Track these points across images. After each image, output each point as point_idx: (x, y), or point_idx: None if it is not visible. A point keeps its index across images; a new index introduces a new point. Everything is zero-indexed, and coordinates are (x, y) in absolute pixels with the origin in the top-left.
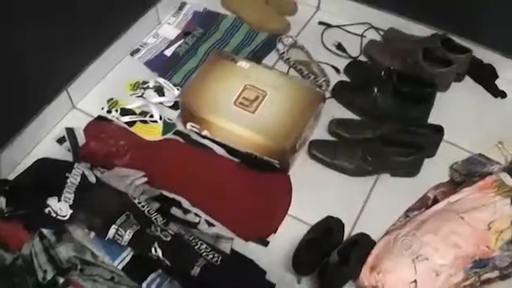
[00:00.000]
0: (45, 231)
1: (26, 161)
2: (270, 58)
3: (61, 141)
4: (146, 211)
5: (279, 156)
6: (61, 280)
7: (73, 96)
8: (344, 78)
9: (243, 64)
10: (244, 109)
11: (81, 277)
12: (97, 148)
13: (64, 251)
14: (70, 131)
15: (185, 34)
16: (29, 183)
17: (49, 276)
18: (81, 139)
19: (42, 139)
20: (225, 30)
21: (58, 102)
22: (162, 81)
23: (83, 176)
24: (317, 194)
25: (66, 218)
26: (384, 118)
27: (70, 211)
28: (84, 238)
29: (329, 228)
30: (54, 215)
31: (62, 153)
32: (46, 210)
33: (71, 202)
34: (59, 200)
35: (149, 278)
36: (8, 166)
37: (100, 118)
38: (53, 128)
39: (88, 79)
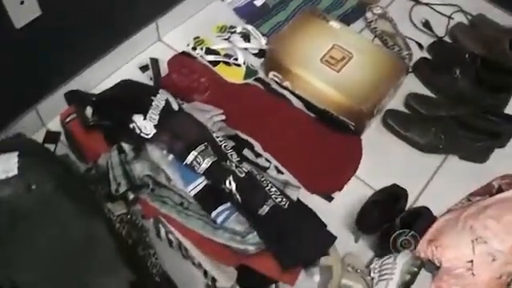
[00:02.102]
0: (124, 146)
1: (108, 81)
2: (357, 25)
3: (143, 68)
4: (222, 146)
5: (356, 118)
6: (131, 196)
7: (161, 29)
8: (426, 55)
9: (334, 24)
10: (329, 67)
11: (151, 196)
12: (178, 81)
13: (139, 168)
14: (154, 61)
15: None
16: (115, 98)
17: (121, 189)
18: (163, 70)
19: (125, 64)
20: None
21: (146, 32)
22: (250, 28)
23: (167, 102)
24: (385, 161)
25: (149, 137)
26: (461, 101)
27: (154, 130)
28: (161, 159)
29: (394, 195)
30: (138, 131)
31: (143, 80)
32: (131, 126)
33: (156, 123)
34: (144, 118)
35: (218, 209)
36: (93, 83)
37: (184, 54)
38: (136, 56)
39: (177, 15)
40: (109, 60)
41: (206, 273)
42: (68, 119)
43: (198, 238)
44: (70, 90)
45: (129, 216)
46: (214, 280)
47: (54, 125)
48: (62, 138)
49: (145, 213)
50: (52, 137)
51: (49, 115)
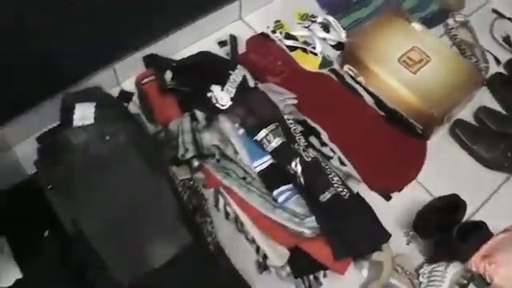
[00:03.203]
0: (198, 114)
1: (185, 51)
2: (437, 30)
3: (222, 44)
4: (292, 129)
5: (425, 121)
6: (196, 163)
7: (244, 8)
8: (502, 71)
9: (416, 26)
10: (406, 67)
11: (215, 166)
12: (255, 60)
13: (208, 138)
14: (233, 38)
15: None
16: (195, 66)
17: (188, 155)
18: (240, 48)
19: (204, 37)
20: None
21: (229, 9)
22: (331, 19)
23: (244, 77)
24: (447, 170)
25: (225, 108)
26: None
27: (230, 103)
28: (232, 132)
29: (454, 204)
30: (214, 101)
31: (220, 55)
32: (208, 95)
33: (232, 95)
34: (222, 89)
35: (280, 188)
36: (171, 50)
37: (264, 35)
38: (216, 31)
39: (252, 0)
40: (190, 31)
41: (258, 249)
42: (144, 81)
43: (255, 214)
44: (149, 53)
45: (191, 182)
46: (265, 257)
47: (128, 85)
48: (135, 98)
49: (207, 182)
50: (125, 96)
51: (124, 75)
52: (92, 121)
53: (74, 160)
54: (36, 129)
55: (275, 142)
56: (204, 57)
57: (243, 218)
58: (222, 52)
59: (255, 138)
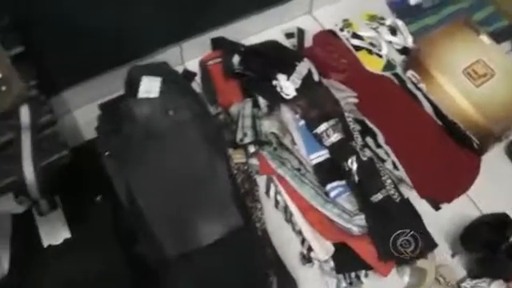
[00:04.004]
0: (261, 100)
1: (252, 38)
2: (504, 46)
3: (289, 36)
4: (350, 126)
5: (483, 136)
6: (252, 148)
7: (314, 3)
8: None
9: (485, 39)
10: (470, 80)
11: (271, 154)
12: (320, 55)
13: (268, 125)
14: (301, 31)
15: None
16: (264, 53)
17: (246, 140)
18: (307, 42)
19: (272, 27)
20: (473, 2)
21: (300, 2)
22: (399, 23)
23: (310, 71)
24: (499, 188)
25: (289, 98)
26: None
27: (294, 93)
28: (292, 122)
29: (503, 223)
30: (279, 90)
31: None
32: (274, 83)
33: (297, 86)
34: (288, 79)
35: (334, 184)
36: (238, 36)
37: (331, 32)
38: (284, 23)
39: None
40: (258, 19)
41: (303, 241)
42: (210, 62)
43: (305, 206)
44: (217, 36)
45: (245, 167)
46: (309, 250)
47: (192, 65)
48: (197, 78)
49: (261, 168)
50: (188, 75)
51: (190, 55)
52: (157, 95)
53: (134, 130)
54: (97, 97)
55: (334, 137)
56: (272, 45)
57: (293, 208)
58: (288, 44)
59: (315, 130)
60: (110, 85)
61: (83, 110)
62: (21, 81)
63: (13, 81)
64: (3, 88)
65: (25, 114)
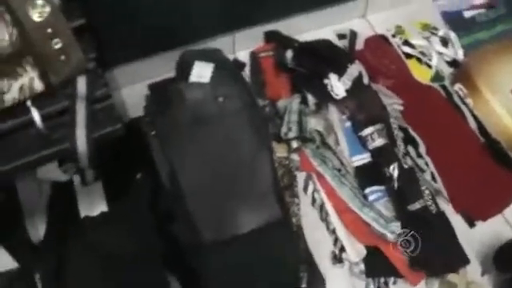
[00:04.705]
0: (309, 97)
1: (305, 35)
2: None
3: (340, 37)
4: (395, 133)
5: None
6: (295, 144)
7: (369, 6)
8: None
9: None
10: None
11: (313, 152)
12: (369, 59)
13: (313, 123)
14: (353, 33)
15: (489, 6)
16: (317, 51)
17: (290, 135)
18: (358, 45)
19: (325, 27)
20: None
21: (356, 5)
22: (452, 35)
23: (360, 73)
24: None
25: (338, 98)
26: None
27: (344, 94)
28: (338, 122)
29: None
30: (330, 89)
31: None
32: (325, 81)
33: (348, 87)
34: (339, 80)
35: (373, 188)
36: (291, 31)
37: (383, 37)
38: (338, 24)
39: (380, 1)
40: (313, 17)
41: (336, 241)
42: (262, 54)
43: (342, 207)
44: (271, 30)
45: (287, 161)
46: (341, 250)
47: (242, 55)
48: (246, 69)
49: (301, 165)
50: (238, 65)
51: (241, 45)
52: (208, 80)
53: (183, 113)
54: (146, 77)
55: (378, 142)
56: (326, 45)
57: (329, 207)
58: (339, 45)
59: (360, 133)
60: (160, 67)
61: (130, 89)
62: (81, 52)
63: (73, 51)
64: (62, 57)
65: (81, 84)
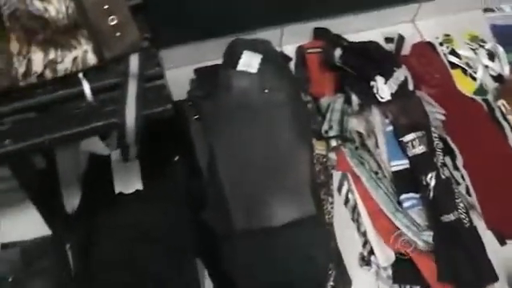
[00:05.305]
0: (353, 98)
1: (352, 36)
2: None
3: (388, 40)
4: (435, 142)
5: None
6: (334, 142)
7: (420, 12)
8: None
9: None
10: None
11: (352, 152)
12: (414, 65)
13: (355, 123)
14: (401, 38)
15: None
16: (365, 52)
17: (331, 133)
18: (404, 50)
19: (372, 29)
20: None
21: (406, 9)
22: (500, 49)
23: (406, 79)
24: None
25: (383, 101)
26: None
27: (389, 98)
28: (380, 126)
29: None
30: (375, 91)
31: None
32: (372, 83)
33: (393, 91)
34: (385, 82)
35: (408, 195)
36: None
37: (430, 44)
38: (386, 27)
39: (440, 7)
40: (362, 18)
41: (365, 243)
42: (309, 51)
43: (375, 210)
44: (321, 27)
45: (324, 159)
46: (370, 253)
47: (289, 49)
48: (290, 64)
49: (338, 164)
50: (284, 59)
51: (289, 40)
52: (255, 70)
53: (228, 100)
54: (191, 61)
55: (418, 149)
56: (375, 47)
57: (362, 209)
58: (387, 48)
59: (401, 138)
60: (206, 52)
61: (174, 72)
62: (137, 30)
63: (128, 29)
64: (117, 34)
65: (134, 62)
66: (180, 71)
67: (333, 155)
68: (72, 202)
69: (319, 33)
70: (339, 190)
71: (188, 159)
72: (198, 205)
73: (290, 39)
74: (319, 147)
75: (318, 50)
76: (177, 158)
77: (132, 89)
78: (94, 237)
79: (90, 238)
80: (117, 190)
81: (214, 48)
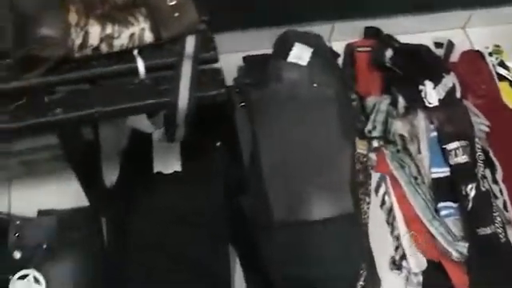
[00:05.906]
0: (400, 100)
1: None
2: None
3: (438, 45)
4: (477, 153)
5: None
6: (376, 143)
7: (472, 20)
8: None
9: None
10: None
11: (393, 155)
12: (462, 73)
13: (399, 126)
14: (451, 44)
15: None
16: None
17: (374, 133)
18: (453, 57)
19: (422, 33)
20: None
21: (456, 15)
22: None
23: (454, 86)
24: None
25: (430, 106)
26: None
27: (437, 104)
28: (424, 131)
29: None
30: (423, 96)
31: None
32: (420, 88)
33: (441, 97)
34: (434, 88)
35: (447, 203)
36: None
37: (479, 53)
38: (436, 31)
39: (492, 16)
40: (413, 21)
41: (397, 248)
42: (359, 49)
43: (411, 215)
44: (373, 26)
45: (365, 159)
46: (402, 258)
47: (337, 46)
48: (338, 61)
49: (378, 165)
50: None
51: (338, 36)
52: (305, 63)
53: (276, 91)
54: (240, 48)
55: (461, 158)
56: (426, 50)
57: (397, 212)
58: (437, 53)
59: (445, 146)
60: (255, 41)
61: (221, 57)
62: (195, 12)
63: (187, 10)
64: (176, 14)
65: (190, 43)
66: (227, 57)
67: (373, 156)
68: (110, 176)
69: (370, 32)
70: (376, 191)
71: (230, 146)
72: (235, 193)
73: (339, 36)
74: (361, 146)
75: (368, 48)
76: (218, 144)
77: (186, 70)
78: (130, 216)
79: (126, 216)
80: (155, 169)
81: (262, 37)
